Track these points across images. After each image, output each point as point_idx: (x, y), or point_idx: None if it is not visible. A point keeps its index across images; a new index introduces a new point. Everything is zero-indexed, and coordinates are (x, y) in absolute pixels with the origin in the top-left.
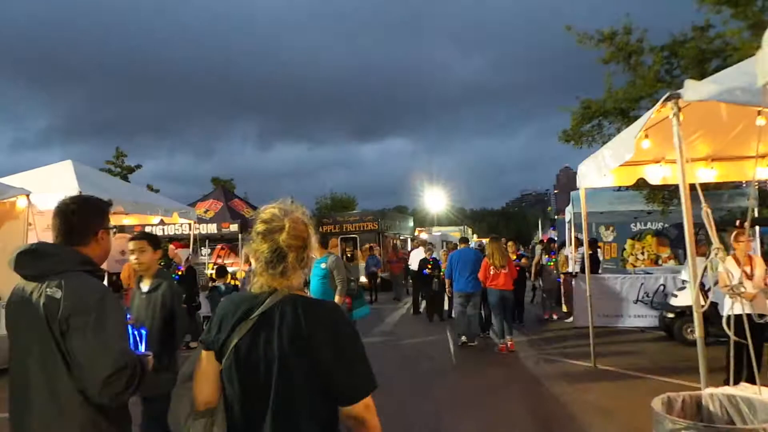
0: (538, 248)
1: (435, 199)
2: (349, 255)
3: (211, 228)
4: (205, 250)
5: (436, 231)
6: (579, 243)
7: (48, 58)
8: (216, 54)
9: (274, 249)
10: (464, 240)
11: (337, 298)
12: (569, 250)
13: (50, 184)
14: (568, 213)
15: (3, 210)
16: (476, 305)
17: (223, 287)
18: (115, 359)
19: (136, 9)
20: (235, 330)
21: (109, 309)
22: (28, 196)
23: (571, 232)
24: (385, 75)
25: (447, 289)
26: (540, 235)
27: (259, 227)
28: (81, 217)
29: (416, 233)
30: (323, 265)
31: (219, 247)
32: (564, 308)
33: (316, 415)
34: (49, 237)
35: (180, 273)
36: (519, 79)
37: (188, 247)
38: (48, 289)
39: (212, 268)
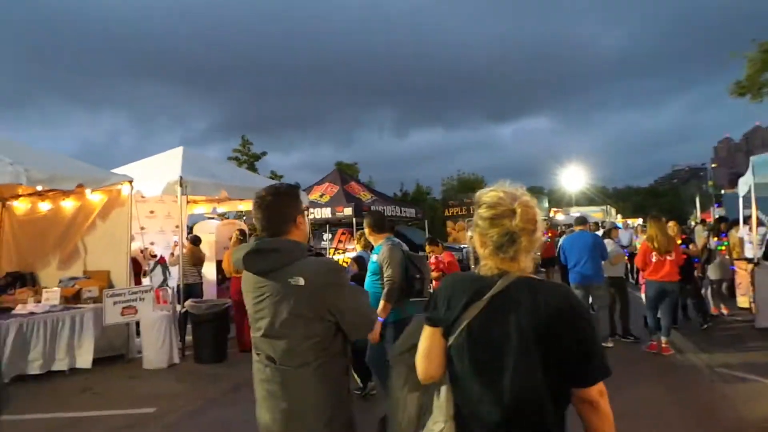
0: (700, 229)
1: (572, 178)
2: None
3: (325, 212)
4: (326, 235)
5: (575, 211)
6: (759, 222)
7: (206, 64)
8: (355, 45)
9: (505, 233)
10: (581, 221)
11: (381, 305)
12: (744, 231)
13: (158, 171)
14: (744, 185)
15: (110, 198)
16: (602, 299)
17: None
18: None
19: (288, 9)
20: (467, 309)
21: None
22: (131, 183)
23: (748, 209)
24: (521, 53)
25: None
26: (698, 213)
27: (485, 212)
28: (279, 208)
29: (551, 214)
30: (375, 257)
31: (340, 231)
32: (741, 302)
33: (550, 394)
34: (151, 223)
35: None
36: (669, 47)
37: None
38: (290, 280)
39: (333, 254)
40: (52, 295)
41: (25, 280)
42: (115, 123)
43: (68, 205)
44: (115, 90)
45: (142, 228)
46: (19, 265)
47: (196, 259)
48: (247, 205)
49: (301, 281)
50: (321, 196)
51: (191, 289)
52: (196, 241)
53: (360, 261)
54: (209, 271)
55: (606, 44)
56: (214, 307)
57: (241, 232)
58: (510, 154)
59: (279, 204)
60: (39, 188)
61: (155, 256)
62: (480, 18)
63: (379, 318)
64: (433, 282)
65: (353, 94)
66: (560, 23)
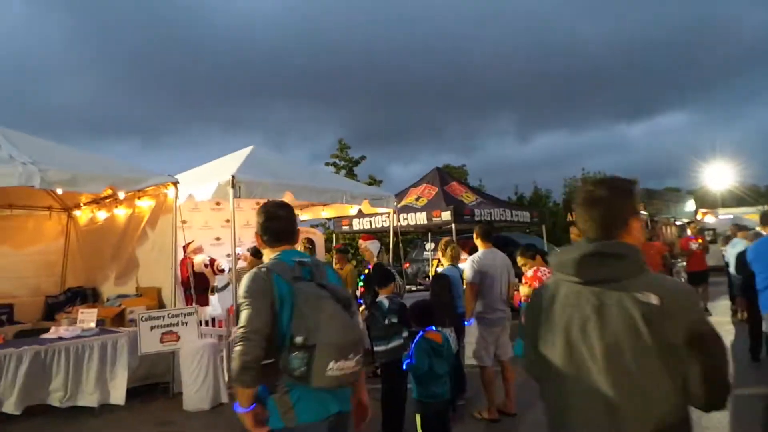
0: None
1: (717, 176)
2: None
3: (421, 218)
4: (429, 245)
5: (724, 213)
6: None
7: (331, 80)
8: (474, 51)
9: None
10: (766, 219)
11: None
12: None
13: (215, 173)
14: None
15: (158, 203)
16: None
17: (386, 303)
18: None
19: (405, 21)
20: None
21: None
22: (175, 184)
23: None
24: (653, 46)
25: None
26: None
27: None
28: (612, 205)
29: (699, 216)
30: None
31: (444, 240)
32: None
33: None
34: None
35: (366, 272)
36: None
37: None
38: (637, 295)
39: (436, 267)
40: (88, 317)
41: (86, 296)
42: (249, 141)
43: (121, 213)
44: (249, 111)
45: (189, 242)
46: (83, 280)
47: None
48: (331, 211)
49: (654, 299)
50: (417, 199)
51: None
52: (257, 253)
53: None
54: None
55: (752, 25)
56: None
57: (309, 240)
58: (643, 154)
59: (612, 200)
60: (59, 191)
61: (223, 270)
62: (606, 8)
63: None
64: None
65: (475, 102)
66: (697, 6)
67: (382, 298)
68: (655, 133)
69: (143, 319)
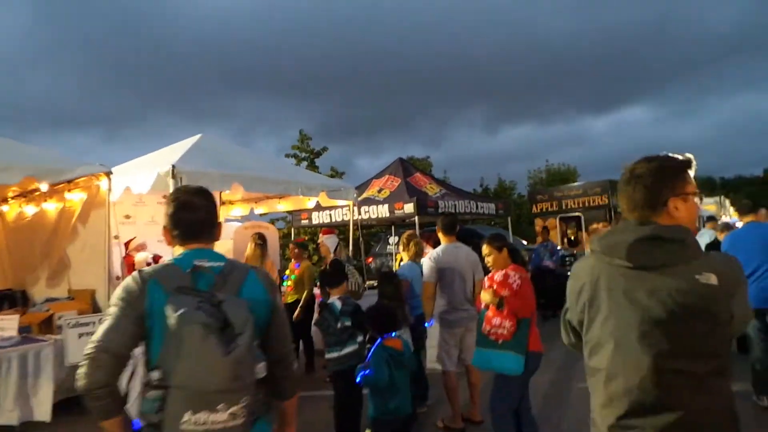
0: None
1: None
2: (571, 238)
3: (383, 210)
4: (393, 239)
5: None
6: None
7: (297, 73)
8: (442, 42)
9: None
10: (749, 208)
11: None
12: None
13: (157, 163)
14: None
15: (89, 196)
16: None
17: (339, 304)
18: None
19: (372, 14)
20: None
21: None
22: (108, 175)
23: None
24: (619, 40)
25: None
26: None
27: None
28: (655, 184)
29: None
30: None
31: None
32: None
33: None
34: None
35: (323, 270)
36: None
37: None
38: (698, 276)
39: (400, 262)
40: (7, 324)
41: (14, 299)
42: (218, 133)
43: (51, 207)
44: (216, 103)
45: (116, 237)
46: (11, 282)
47: None
48: (288, 204)
49: (714, 279)
50: (379, 191)
51: None
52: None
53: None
54: None
55: (715, 23)
56: None
57: (260, 236)
58: (606, 147)
59: (656, 179)
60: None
61: None
62: (574, 3)
63: None
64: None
65: (442, 94)
66: (661, 3)
67: (334, 299)
68: (618, 127)
69: (70, 325)
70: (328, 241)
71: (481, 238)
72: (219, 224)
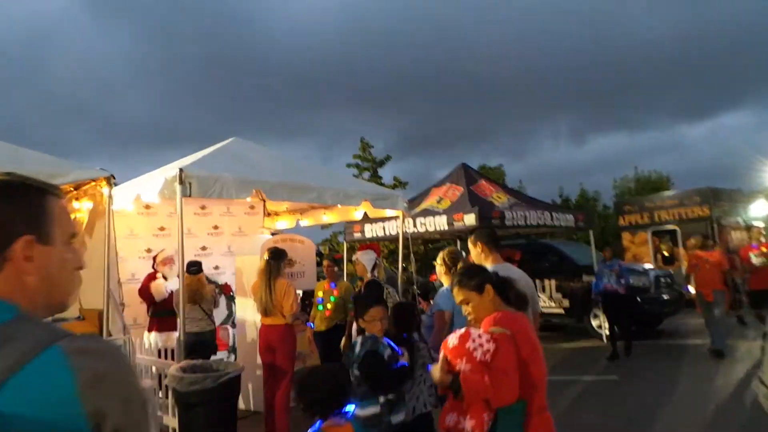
0: None
1: None
2: (666, 255)
3: (440, 222)
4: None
5: None
6: None
7: (381, 87)
8: (530, 51)
9: None
10: None
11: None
12: None
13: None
14: None
15: (95, 205)
16: None
17: (359, 344)
18: None
19: (457, 25)
20: None
21: None
22: (108, 180)
23: None
24: (719, 41)
25: None
26: None
27: None
28: None
29: None
30: None
31: (448, 250)
32: None
33: None
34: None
35: (358, 292)
36: None
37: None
38: None
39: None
40: None
41: None
42: (303, 149)
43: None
44: (301, 120)
45: (147, 251)
46: None
47: (196, 295)
48: (333, 216)
49: None
50: (439, 201)
51: (199, 341)
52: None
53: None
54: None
55: None
56: (210, 376)
57: (273, 250)
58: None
59: None
60: None
61: (214, 282)
62: (668, 3)
63: None
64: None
65: (525, 103)
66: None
67: (357, 339)
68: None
69: None
70: (364, 258)
71: (560, 256)
72: (26, 241)
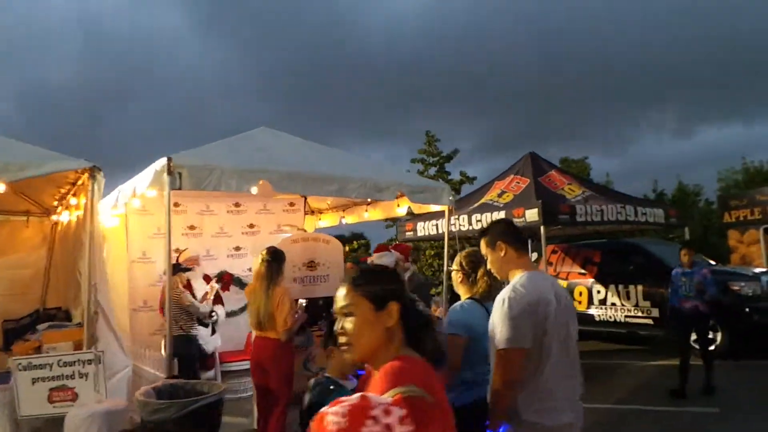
0: None
1: None
2: None
3: (498, 217)
4: (532, 255)
5: None
6: None
7: (471, 83)
8: (630, 38)
9: None
10: None
11: None
12: None
13: None
14: None
15: (89, 201)
16: None
17: (308, 392)
18: None
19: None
20: None
21: None
22: (90, 171)
23: None
24: None
25: None
26: None
27: None
28: None
29: None
30: None
31: (550, 249)
32: None
33: None
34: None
35: None
36: None
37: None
38: None
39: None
40: None
41: (53, 318)
42: (390, 150)
43: (75, 216)
44: (388, 121)
45: (176, 251)
46: (63, 299)
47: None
48: (375, 213)
49: None
50: (500, 194)
51: (183, 348)
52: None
53: None
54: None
55: None
56: (177, 403)
57: (272, 251)
58: None
59: None
60: None
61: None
62: None
63: None
64: None
65: (630, 94)
66: None
67: (311, 380)
68: None
69: (20, 367)
70: (381, 262)
71: (646, 256)
72: None
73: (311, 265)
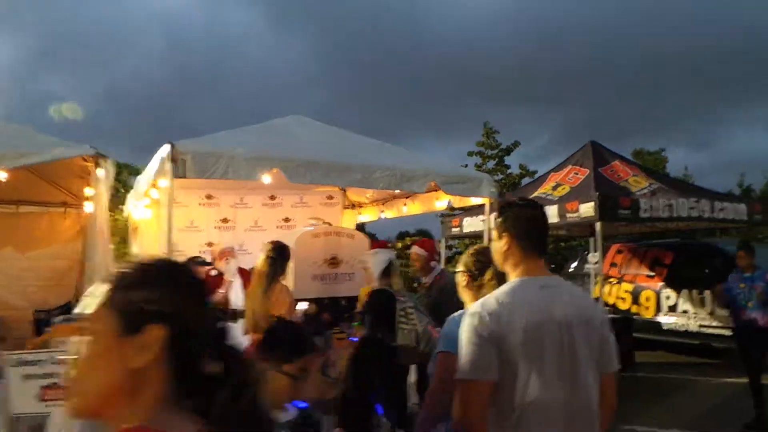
0: None
1: None
2: None
3: (551, 213)
4: (593, 255)
5: None
6: None
7: (543, 75)
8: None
9: None
10: None
11: None
12: None
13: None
14: None
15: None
16: None
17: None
18: None
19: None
20: None
21: None
22: (95, 158)
23: None
24: None
25: None
26: None
27: None
28: None
29: None
30: None
31: (615, 248)
32: None
33: None
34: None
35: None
36: None
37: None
38: None
39: (600, 287)
40: None
41: (69, 311)
42: (460, 145)
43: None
44: (460, 116)
45: (209, 245)
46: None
47: None
48: (415, 207)
49: None
50: (555, 187)
51: None
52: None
53: None
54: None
55: None
56: None
57: (277, 246)
58: None
59: None
60: None
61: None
62: None
63: None
64: None
65: (718, 85)
66: None
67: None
68: None
69: (13, 363)
70: (374, 260)
71: (725, 257)
72: None
73: (333, 261)
